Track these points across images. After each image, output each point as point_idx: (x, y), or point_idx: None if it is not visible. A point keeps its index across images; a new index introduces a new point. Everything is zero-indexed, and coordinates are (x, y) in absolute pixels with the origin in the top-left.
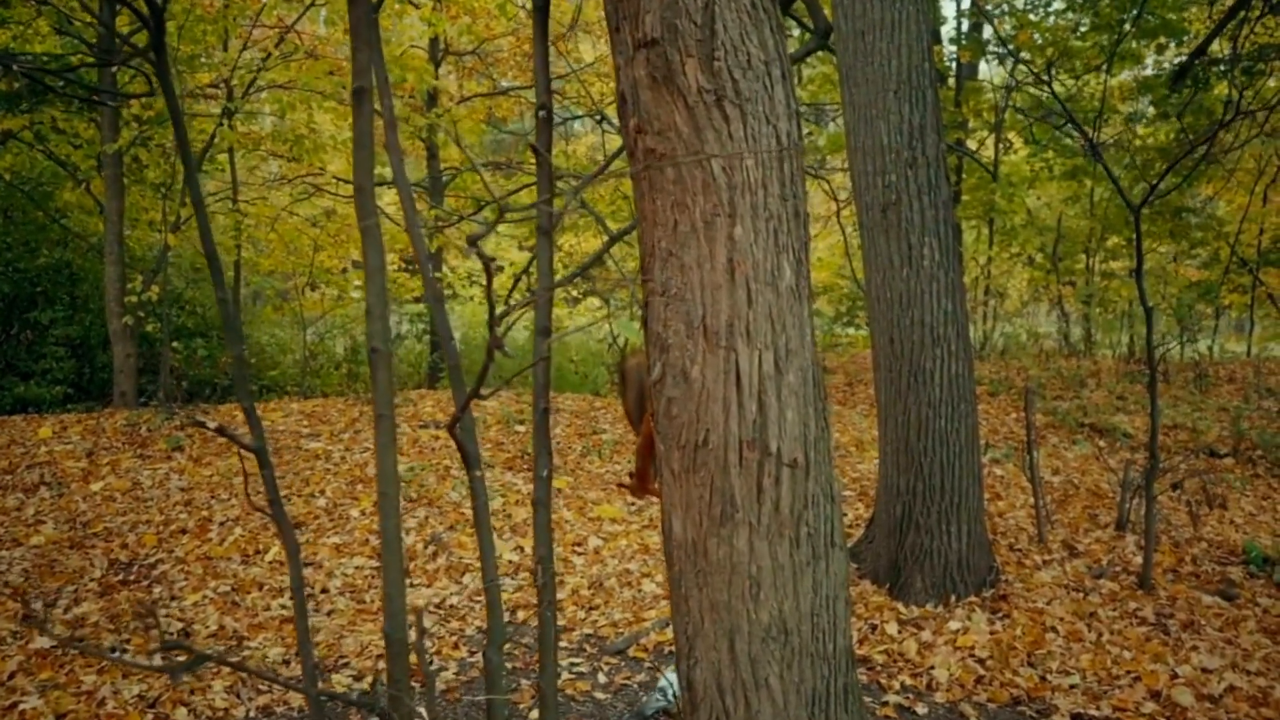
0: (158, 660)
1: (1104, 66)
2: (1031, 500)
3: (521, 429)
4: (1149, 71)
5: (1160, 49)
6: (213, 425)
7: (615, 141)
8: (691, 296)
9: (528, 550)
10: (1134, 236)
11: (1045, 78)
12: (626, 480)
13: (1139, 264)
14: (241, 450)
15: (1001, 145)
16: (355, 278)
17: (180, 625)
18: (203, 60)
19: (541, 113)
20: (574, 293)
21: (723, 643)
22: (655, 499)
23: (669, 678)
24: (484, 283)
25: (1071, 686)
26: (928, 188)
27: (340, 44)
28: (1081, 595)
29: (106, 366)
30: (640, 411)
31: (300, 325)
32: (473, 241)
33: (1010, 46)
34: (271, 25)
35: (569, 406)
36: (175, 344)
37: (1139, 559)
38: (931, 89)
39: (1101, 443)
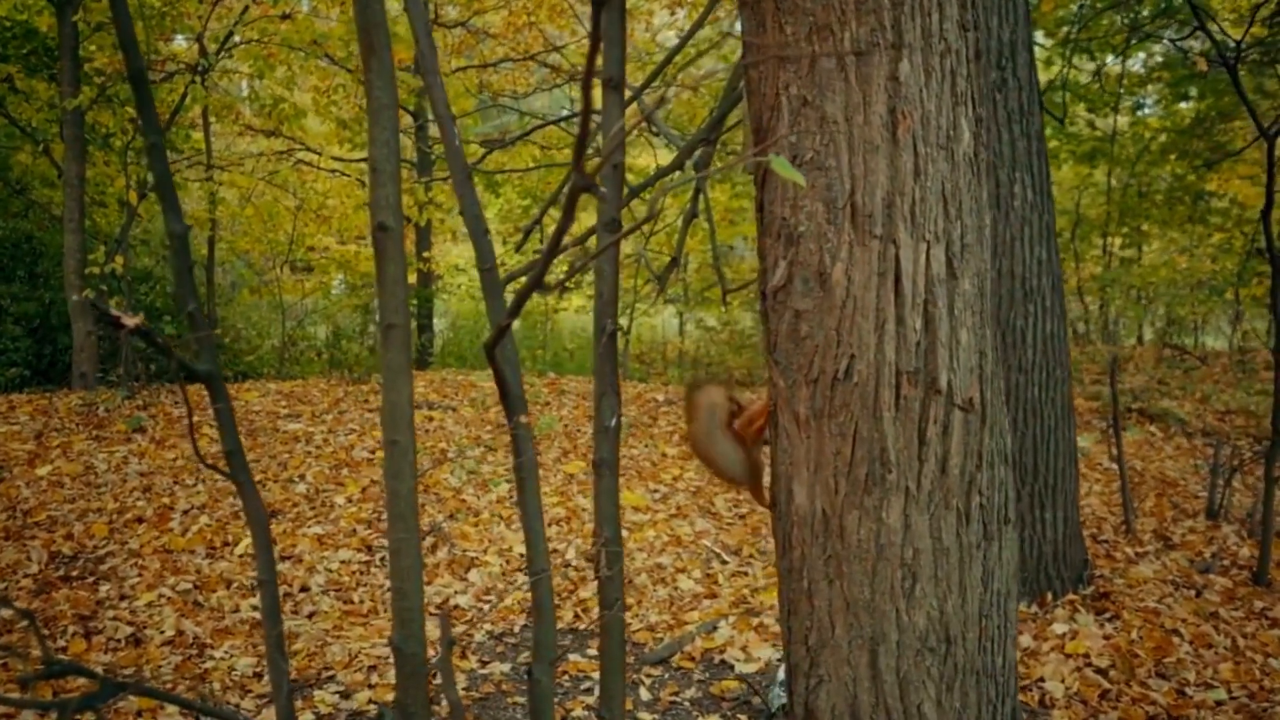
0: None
1: (1123, 46)
2: (1104, 486)
3: (532, 408)
4: (1158, 55)
5: (1181, 26)
6: (132, 322)
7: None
8: (836, 164)
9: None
10: (1133, 223)
11: None
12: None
13: (1268, 204)
14: (193, 406)
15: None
16: (337, 255)
17: (130, 630)
18: (171, 22)
19: None
20: (569, 279)
21: (861, 656)
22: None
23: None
24: (472, 272)
25: (1218, 703)
26: (1019, 115)
27: (325, 15)
28: (1193, 593)
29: (68, 348)
30: (714, 444)
31: (279, 309)
32: None
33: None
34: None
35: (575, 388)
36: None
37: (1244, 551)
38: None
39: (1152, 428)
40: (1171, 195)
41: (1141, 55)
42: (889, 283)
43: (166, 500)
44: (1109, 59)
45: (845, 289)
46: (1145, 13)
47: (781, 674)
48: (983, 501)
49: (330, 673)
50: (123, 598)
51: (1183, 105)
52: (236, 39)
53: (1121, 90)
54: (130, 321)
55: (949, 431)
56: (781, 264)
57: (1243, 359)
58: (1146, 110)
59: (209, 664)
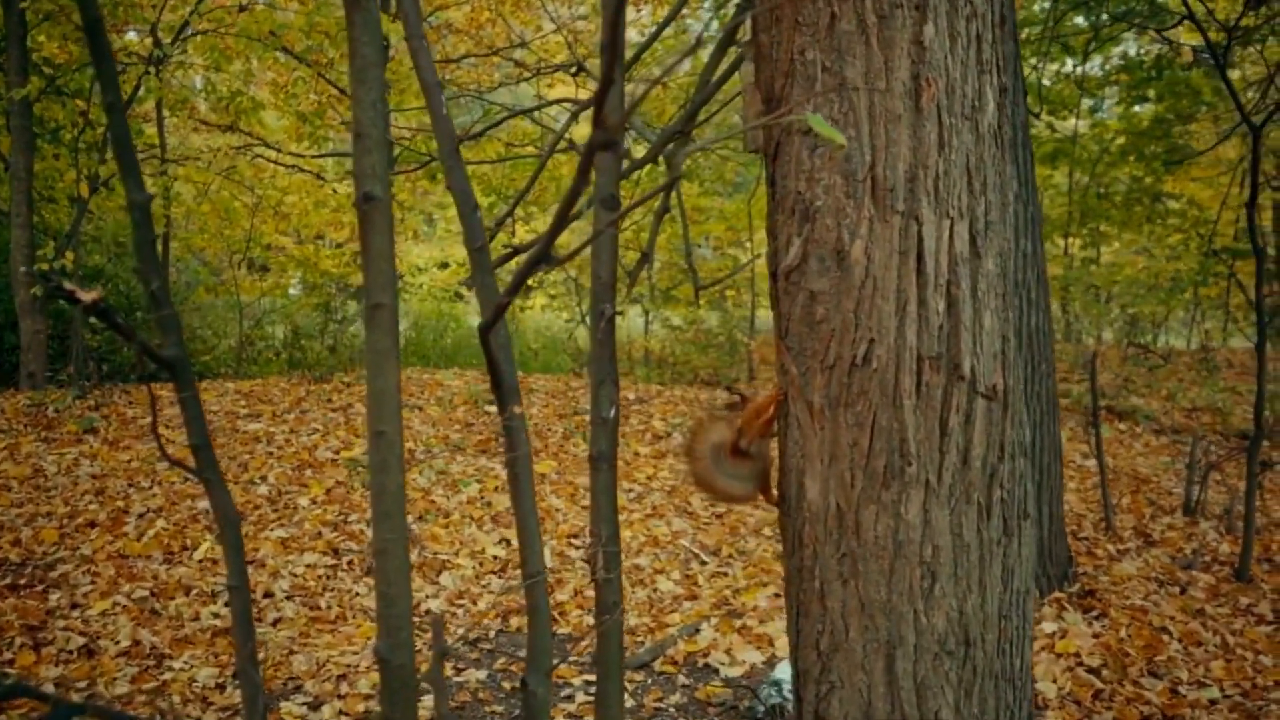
0: None
1: (1087, 47)
2: (1079, 484)
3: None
4: (1116, 58)
5: (1146, 21)
6: (88, 296)
7: None
8: (855, 134)
9: (515, 543)
10: (1083, 227)
11: None
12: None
13: (1253, 194)
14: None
15: None
16: (296, 254)
17: (82, 641)
18: (125, 12)
19: None
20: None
21: (876, 660)
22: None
23: (781, 672)
24: (434, 272)
25: (1212, 702)
26: None
27: (283, 7)
28: (1178, 590)
29: (15, 348)
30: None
31: (236, 309)
32: None
33: None
34: None
35: (543, 386)
36: (94, 321)
37: (1224, 547)
38: None
39: (1121, 425)
40: (1130, 196)
41: (1099, 59)
42: (910, 262)
43: (121, 503)
44: (1069, 62)
45: (864, 268)
46: (1105, 16)
47: (776, 673)
48: (1004, 495)
49: (297, 683)
50: (74, 606)
51: (1137, 109)
52: (191, 30)
53: (1082, 92)
54: (87, 296)
55: (971, 421)
56: (796, 242)
57: (1205, 356)
58: (1105, 113)
59: (168, 675)
